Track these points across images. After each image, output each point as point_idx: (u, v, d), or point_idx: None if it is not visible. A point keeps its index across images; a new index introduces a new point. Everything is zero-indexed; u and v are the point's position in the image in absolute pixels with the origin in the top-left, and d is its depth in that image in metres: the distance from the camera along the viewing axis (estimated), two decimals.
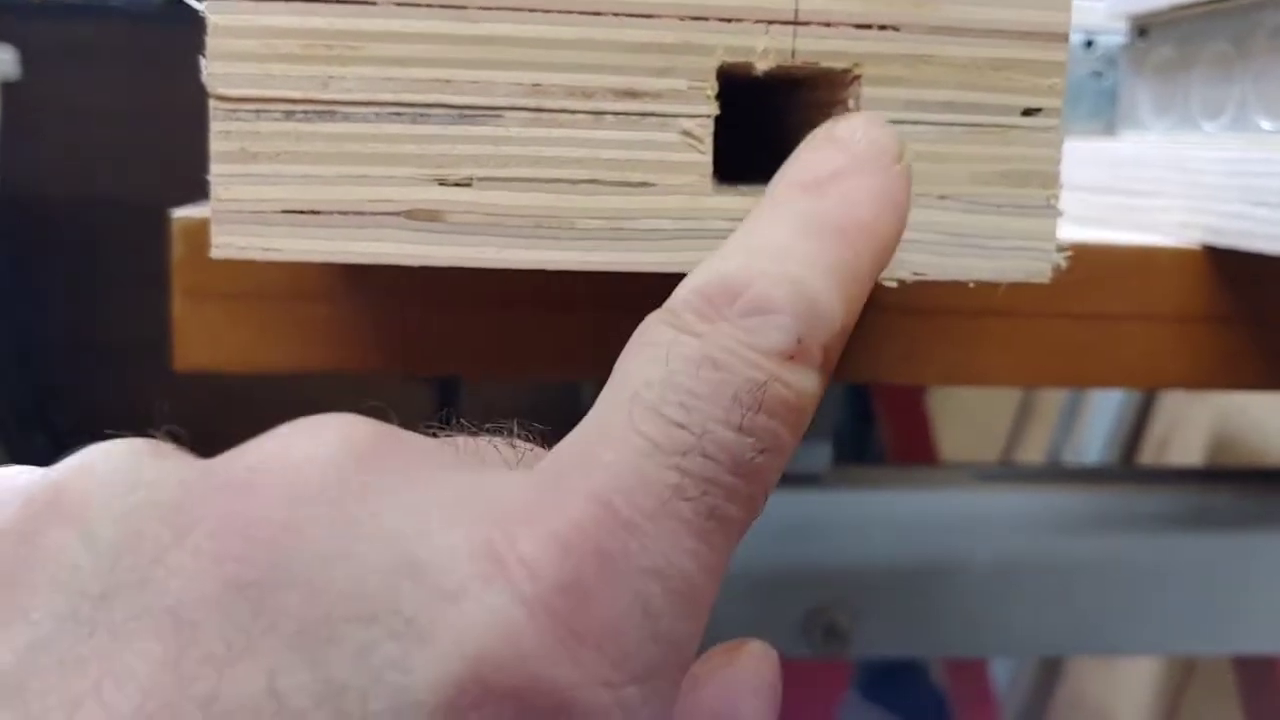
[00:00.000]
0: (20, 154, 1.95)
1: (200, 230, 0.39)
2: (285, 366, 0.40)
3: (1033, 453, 1.67)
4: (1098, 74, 0.58)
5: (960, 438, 1.69)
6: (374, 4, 0.26)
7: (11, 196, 1.87)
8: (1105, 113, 0.58)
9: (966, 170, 0.28)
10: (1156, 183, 0.48)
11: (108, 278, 2.28)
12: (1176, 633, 0.57)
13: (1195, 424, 1.34)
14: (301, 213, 0.27)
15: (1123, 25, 0.55)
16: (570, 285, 0.39)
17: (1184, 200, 0.46)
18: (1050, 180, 0.28)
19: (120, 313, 2.27)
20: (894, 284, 0.28)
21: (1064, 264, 0.29)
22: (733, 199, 0.28)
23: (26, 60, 1.76)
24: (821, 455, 0.50)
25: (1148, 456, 1.41)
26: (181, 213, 0.39)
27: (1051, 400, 1.58)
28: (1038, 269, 0.29)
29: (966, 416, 1.73)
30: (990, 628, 0.54)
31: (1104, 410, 1.45)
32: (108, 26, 2.23)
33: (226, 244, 0.27)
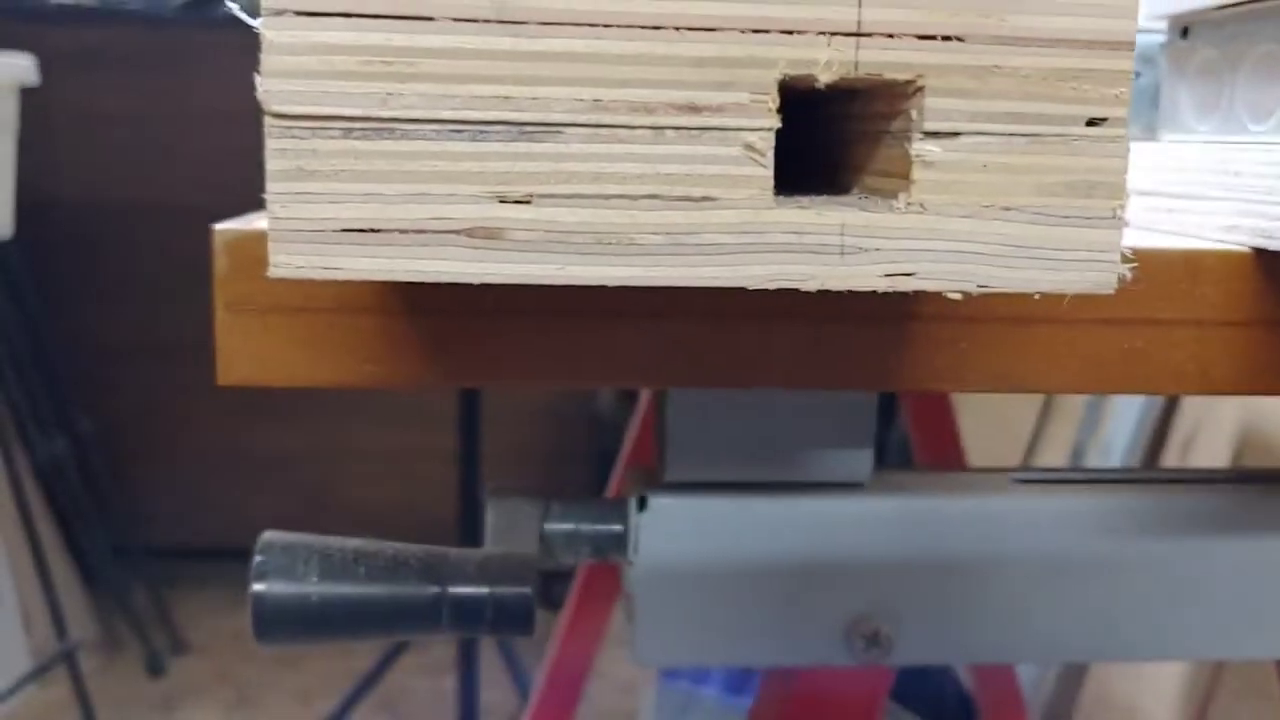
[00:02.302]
0: (39, 158, 1.96)
1: (244, 244, 0.39)
2: (331, 381, 0.39)
3: (1057, 448, 1.66)
4: (1136, 74, 0.57)
5: (984, 434, 1.68)
6: (431, 19, 0.26)
7: (31, 200, 1.88)
8: (1144, 114, 0.57)
9: (1032, 181, 0.28)
10: (1201, 186, 0.47)
11: (127, 280, 2.28)
12: (1220, 638, 0.56)
13: (1221, 421, 1.33)
14: (361, 231, 0.27)
15: (1162, 25, 0.54)
16: (621, 294, 0.39)
17: (1231, 203, 0.45)
18: (1116, 191, 0.28)
19: (139, 315, 2.27)
20: (958, 296, 0.28)
21: (1129, 275, 0.29)
22: (794, 212, 0.28)
23: (44, 66, 1.76)
24: (863, 462, 0.50)
25: (1173, 453, 1.40)
26: (224, 226, 0.39)
27: (1075, 396, 1.57)
28: (1104, 280, 0.28)
29: (990, 413, 1.72)
30: (1034, 634, 0.54)
31: (1129, 406, 1.44)
32: (124, 31, 2.23)
33: (285, 263, 0.27)
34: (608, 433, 2.37)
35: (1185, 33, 0.52)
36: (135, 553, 2.21)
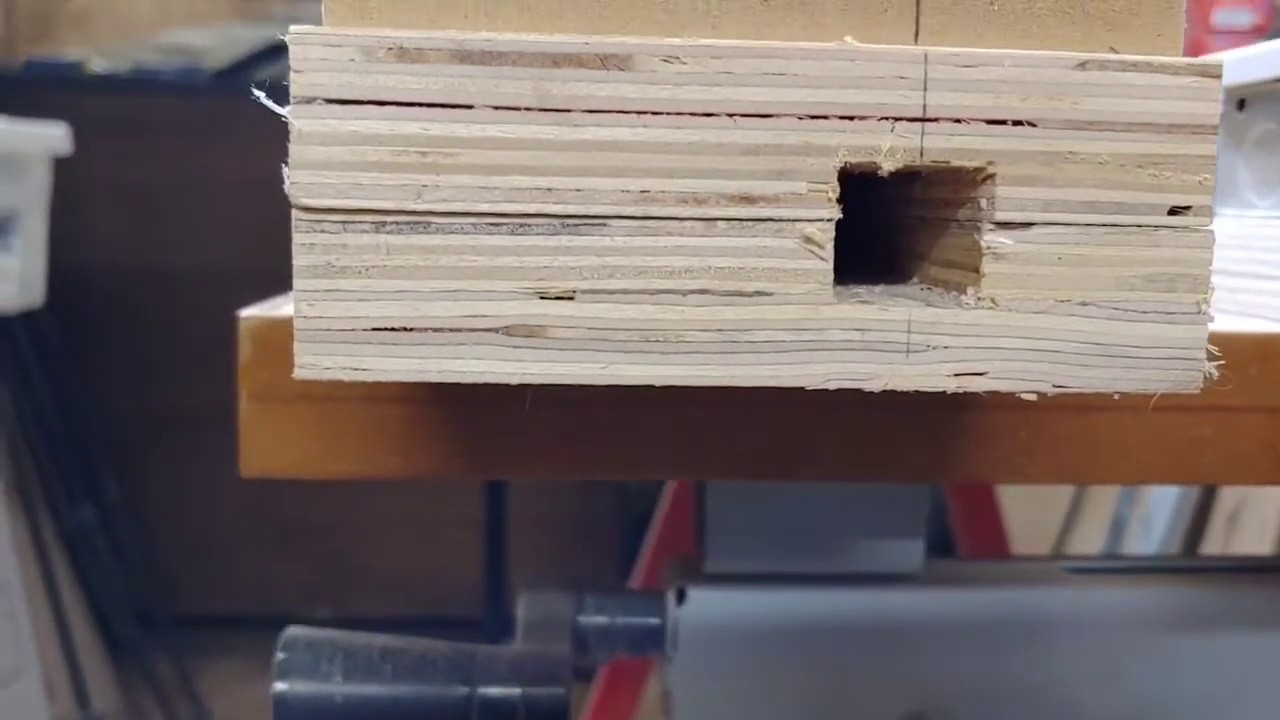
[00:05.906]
0: (72, 226, 1.97)
1: (269, 331, 0.37)
2: (357, 474, 0.38)
3: (1097, 518, 1.62)
4: None
5: (1022, 504, 1.65)
6: (470, 108, 0.25)
7: (63, 267, 1.89)
8: None
9: (1110, 275, 0.26)
10: (1266, 265, 0.45)
11: (157, 350, 2.29)
12: None
13: (1266, 493, 1.30)
14: (393, 330, 0.25)
15: None
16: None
17: None
18: (1200, 284, 0.26)
19: (167, 382, 2.27)
20: (1033, 397, 0.26)
21: (1215, 374, 0.27)
22: (856, 308, 0.26)
23: (78, 134, 1.78)
24: (914, 552, 0.48)
25: (1218, 527, 1.36)
26: (249, 312, 0.38)
27: None
28: (1188, 379, 0.26)
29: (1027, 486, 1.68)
30: None
31: None
32: (157, 100, 2.25)
33: (311, 364, 0.25)
34: (636, 498, 2.34)
35: (1242, 105, 0.50)
36: (160, 621, 2.19)
